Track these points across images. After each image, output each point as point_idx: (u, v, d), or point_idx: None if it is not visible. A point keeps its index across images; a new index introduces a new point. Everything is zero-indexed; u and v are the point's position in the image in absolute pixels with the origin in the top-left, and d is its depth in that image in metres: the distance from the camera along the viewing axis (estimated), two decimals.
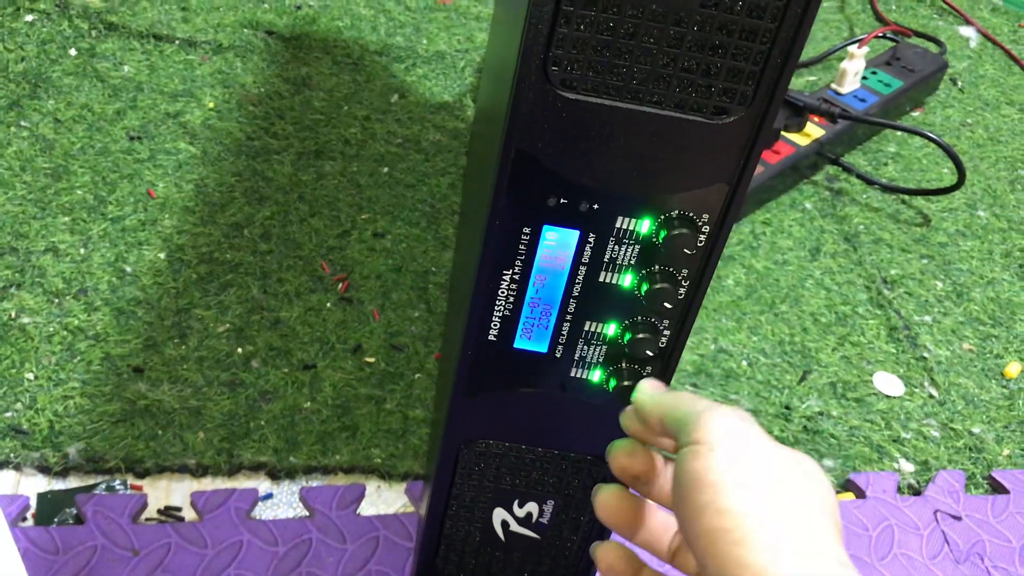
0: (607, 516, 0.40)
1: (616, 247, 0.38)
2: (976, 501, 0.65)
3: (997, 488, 0.67)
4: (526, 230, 0.37)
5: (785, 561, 0.28)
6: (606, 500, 0.40)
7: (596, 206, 0.36)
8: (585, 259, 0.38)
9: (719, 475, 0.31)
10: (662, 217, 0.37)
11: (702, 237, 0.37)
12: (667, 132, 0.34)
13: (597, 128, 0.34)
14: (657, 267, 0.38)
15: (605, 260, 0.38)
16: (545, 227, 0.37)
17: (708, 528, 0.30)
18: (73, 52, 0.85)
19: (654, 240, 0.37)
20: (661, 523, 0.39)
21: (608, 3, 0.31)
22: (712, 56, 0.32)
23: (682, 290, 0.39)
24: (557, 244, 0.38)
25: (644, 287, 0.38)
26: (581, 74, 0.33)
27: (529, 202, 0.36)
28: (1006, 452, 0.69)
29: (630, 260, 0.38)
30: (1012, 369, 0.74)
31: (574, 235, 0.37)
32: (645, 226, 0.37)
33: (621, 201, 0.36)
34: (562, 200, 0.36)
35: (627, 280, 0.38)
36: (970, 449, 0.69)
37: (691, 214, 0.36)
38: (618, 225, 0.37)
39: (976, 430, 0.70)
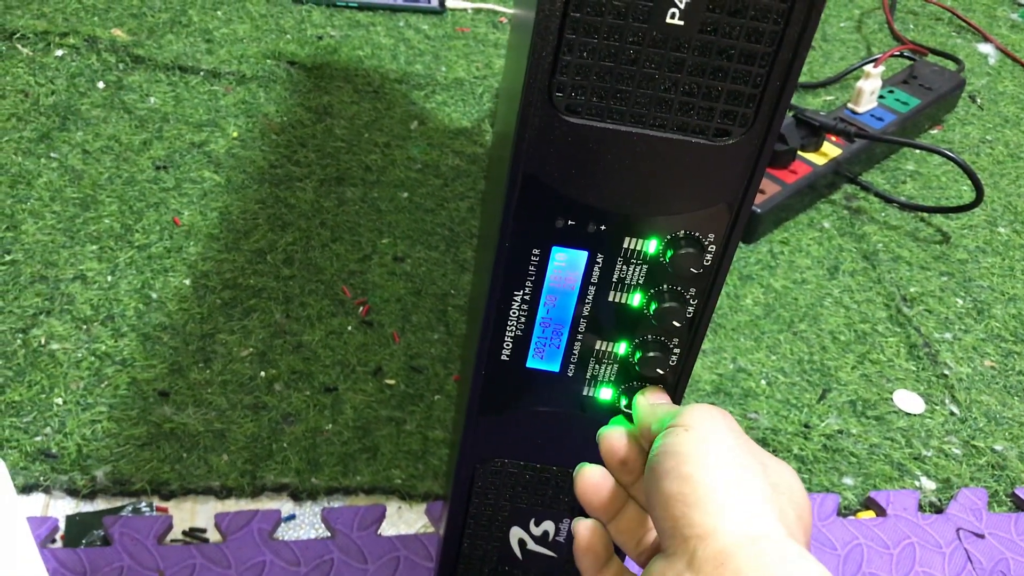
0: (586, 490, 0.40)
1: (624, 267, 0.38)
2: (999, 519, 0.64)
3: (1020, 506, 0.66)
4: (536, 251, 0.38)
5: (730, 524, 0.31)
6: (588, 475, 0.40)
7: (603, 227, 0.37)
8: (594, 279, 0.39)
9: (687, 447, 0.33)
10: (668, 237, 0.37)
11: (708, 256, 0.38)
12: (670, 154, 0.35)
13: (602, 151, 0.35)
14: (665, 286, 0.39)
15: (614, 280, 0.39)
16: (554, 248, 0.38)
17: (668, 491, 0.33)
18: (101, 85, 0.87)
19: (661, 260, 0.38)
20: (635, 517, 0.40)
21: (610, 31, 0.32)
22: (712, 80, 0.33)
23: (690, 309, 0.39)
24: (566, 265, 0.38)
25: (653, 306, 0.39)
26: (585, 99, 0.34)
27: (538, 224, 0.37)
28: None
29: (638, 280, 0.39)
30: None
31: (583, 256, 0.38)
32: (652, 246, 0.38)
33: (627, 222, 0.37)
34: (570, 222, 0.37)
35: (636, 299, 0.39)
36: (992, 466, 0.68)
37: (696, 234, 0.37)
38: (625, 245, 0.38)
39: (998, 447, 0.69)
